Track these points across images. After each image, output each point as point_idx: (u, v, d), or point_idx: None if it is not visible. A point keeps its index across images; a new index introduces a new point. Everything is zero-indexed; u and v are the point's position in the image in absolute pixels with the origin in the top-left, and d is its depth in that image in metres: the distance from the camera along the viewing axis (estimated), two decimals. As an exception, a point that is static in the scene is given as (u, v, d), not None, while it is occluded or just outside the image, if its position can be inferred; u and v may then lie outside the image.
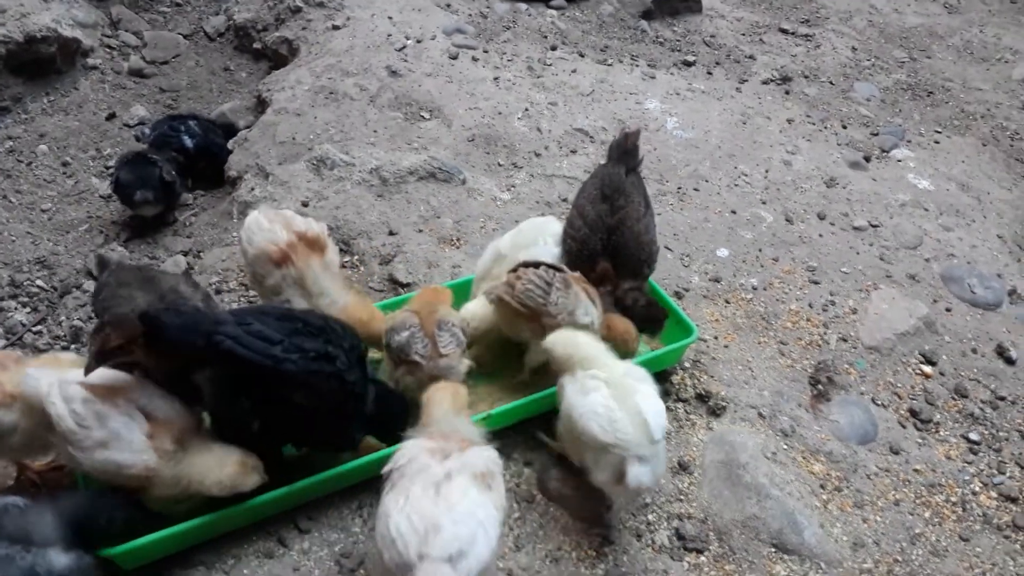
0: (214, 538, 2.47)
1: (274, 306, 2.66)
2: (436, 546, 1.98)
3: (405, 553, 1.98)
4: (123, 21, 5.68)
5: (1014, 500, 2.94)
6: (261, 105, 4.78)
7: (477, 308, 2.95)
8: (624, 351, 2.88)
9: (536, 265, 2.84)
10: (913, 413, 3.22)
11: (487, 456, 2.26)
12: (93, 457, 2.24)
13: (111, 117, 4.95)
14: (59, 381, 2.27)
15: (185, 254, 3.80)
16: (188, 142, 4.42)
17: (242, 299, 3.40)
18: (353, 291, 2.97)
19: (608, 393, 2.45)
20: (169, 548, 2.41)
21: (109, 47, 5.45)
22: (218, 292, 3.44)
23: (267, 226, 2.88)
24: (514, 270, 2.84)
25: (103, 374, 2.30)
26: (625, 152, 3.23)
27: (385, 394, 2.58)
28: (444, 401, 2.42)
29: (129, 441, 2.26)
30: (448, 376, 2.65)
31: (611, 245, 3.06)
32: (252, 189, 3.96)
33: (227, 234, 3.83)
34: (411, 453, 2.20)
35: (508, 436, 2.81)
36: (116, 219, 4.17)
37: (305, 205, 3.85)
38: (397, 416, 2.55)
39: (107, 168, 4.56)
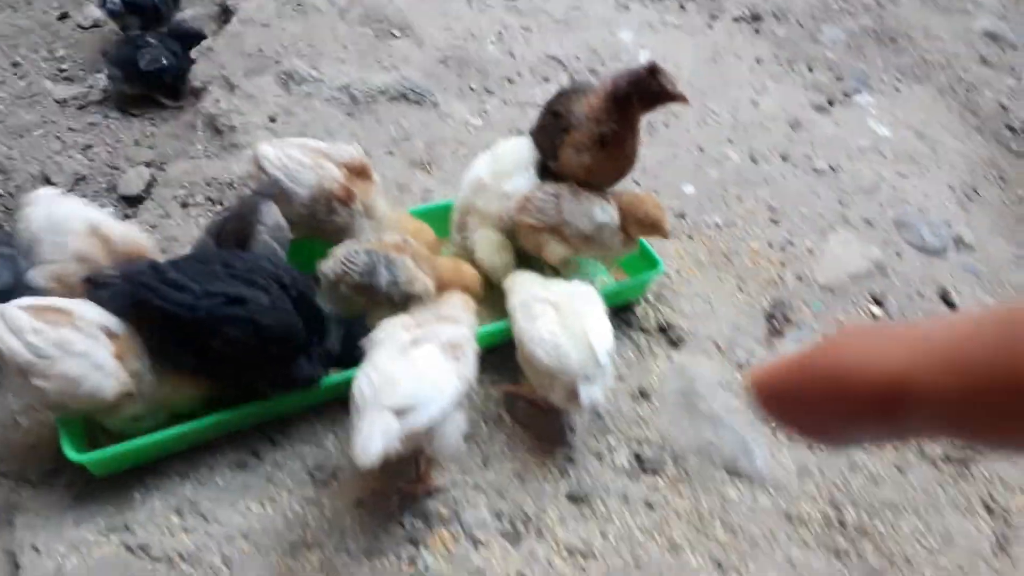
0: (187, 449, 2.50)
1: (204, 251, 2.52)
2: (388, 396, 2.05)
3: (360, 405, 2.06)
4: (73, -88, 5.35)
5: (946, 434, 3.15)
6: (225, 14, 4.61)
7: (487, 242, 2.93)
8: (652, 230, 2.90)
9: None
10: (860, 351, 3.38)
11: (459, 331, 2.36)
12: (58, 388, 2.11)
13: (63, 17, 4.72)
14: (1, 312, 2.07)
15: (148, 165, 3.72)
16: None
17: (209, 214, 3.35)
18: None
19: (555, 318, 2.50)
20: (141, 458, 2.43)
21: (59, -60, 5.14)
22: (184, 206, 3.38)
23: (310, 163, 2.63)
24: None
25: (45, 299, 2.18)
26: None
27: (354, 328, 2.55)
28: (456, 294, 2.60)
29: (98, 365, 2.14)
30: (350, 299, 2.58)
31: None
32: (218, 101, 3.85)
33: (191, 146, 3.74)
34: (385, 327, 2.31)
35: (480, 359, 2.87)
36: (73, 126, 4.03)
37: (272, 121, 3.77)
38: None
39: (61, 71, 4.38)
